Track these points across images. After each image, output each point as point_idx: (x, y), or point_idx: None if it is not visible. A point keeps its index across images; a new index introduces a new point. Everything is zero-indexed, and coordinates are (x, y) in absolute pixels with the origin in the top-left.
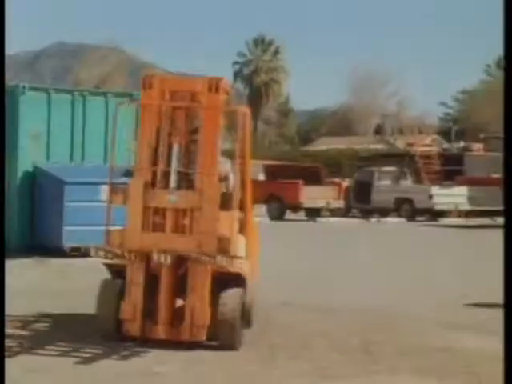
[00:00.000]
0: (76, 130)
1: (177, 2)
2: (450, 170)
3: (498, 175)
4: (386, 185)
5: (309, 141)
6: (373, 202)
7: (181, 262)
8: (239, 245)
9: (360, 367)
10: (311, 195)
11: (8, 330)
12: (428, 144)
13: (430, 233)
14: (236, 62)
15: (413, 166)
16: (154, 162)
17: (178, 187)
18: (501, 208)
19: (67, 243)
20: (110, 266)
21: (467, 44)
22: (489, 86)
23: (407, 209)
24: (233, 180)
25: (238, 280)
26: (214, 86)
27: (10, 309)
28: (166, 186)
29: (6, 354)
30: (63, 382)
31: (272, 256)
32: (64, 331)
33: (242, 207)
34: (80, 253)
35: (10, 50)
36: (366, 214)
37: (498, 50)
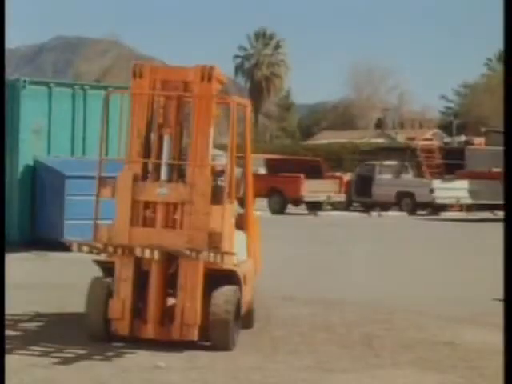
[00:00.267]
0: (77, 124)
1: None
2: (451, 164)
3: (499, 169)
4: (387, 179)
5: (310, 135)
6: (374, 196)
7: (173, 259)
8: (237, 241)
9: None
10: (312, 189)
11: None
12: (429, 138)
13: (431, 227)
14: (237, 56)
15: (414, 159)
16: (145, 154)
17: (170, 180)
18: (502, 202)
19: (68, 237)
20: (100, 263)
21: (468, 38)
22: (490, 79)
23: (408, 203)
24: (229, 173)
25: (232, 278)
26: (207, 75)
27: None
28: (158, 178)
29: None
30: None
31: (272, 250)
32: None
33: (242, 202)
34: None
35: (11, 44)
36: (367, 207)
37: (498, 43)
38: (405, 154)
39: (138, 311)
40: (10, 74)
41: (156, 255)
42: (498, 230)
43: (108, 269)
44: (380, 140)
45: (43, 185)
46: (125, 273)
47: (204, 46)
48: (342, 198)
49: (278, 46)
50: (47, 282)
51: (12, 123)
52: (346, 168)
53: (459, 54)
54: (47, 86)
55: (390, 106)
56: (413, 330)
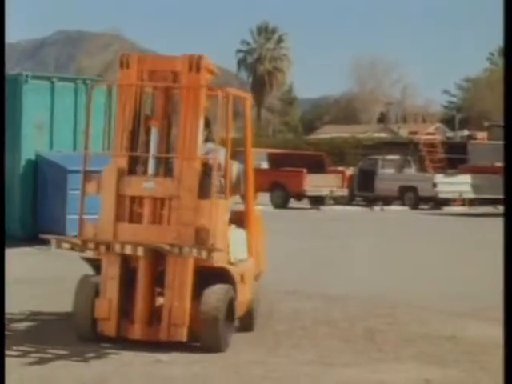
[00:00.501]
0: (79, 119)
1: None
2: (454, 158)
3: (501, 163)
4: (389, 173)
5: (312, 129)
6: (376, 191)
7: (161, 256)
8: (236, 238)
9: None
10: (315, 183)
11: None
12: (432, 132)
13: (434, 221)
14: (239, 51)
15: (416, 154)
16: (132, 148)
17: (157, 174)
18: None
19: (70, 232)
20: (90, 261)
21: (471, 32)
22: (492, 74)
23: (411, 197)
24: (223, 166)
25: (225, 276)
26: (195, 64)
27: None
28: (145, 173)
29: None
30: None
31: (275, 244)
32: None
33: (243, 198)
34: None
35: (12, 38)
36: (370, 202)
37: (501, 38)
38: (407, 148)
39: (126, 311)
40: (11, 69)
41: (140, 252)
42: (500, 224)
43: (97, 266)
44: (383, 134)
45: (45, 179)
46: (111, 271)
47: (206, 40)
48: (344, 192)
49: (280, 41)
50: (50, 276)
51: (14, 118)
52: (349, 162)
53: (462, 48)
54: (49, 80)
55: (393, 100)
56: (415, 324)
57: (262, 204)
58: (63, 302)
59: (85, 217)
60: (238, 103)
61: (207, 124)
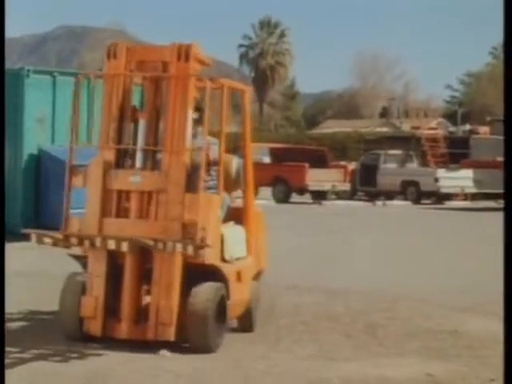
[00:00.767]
0: (81, 113)
1: None
2: (456, 153)
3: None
4: (391, 168)
5: (315, 124)
6: (379, 185)
7: (150, 252)
8: (232, 236)
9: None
10: (317, 178)
11: None
12: (434, 127)
13: (436, 216)
14: (242, 45)
15: (419, 149)
16: (119, 140)
17: (145, 168)
18: None
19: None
20: (77, 258)
21: (473, 27)
22: (494, 68)
23: (413, 192)
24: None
25: (216, 274)
26: (184, 53)
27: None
28: (133, 166)
29: None
30: None
31: (276, 239)
32: None
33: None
34: None
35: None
36: (372, 196)
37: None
38: (410, 143)
39: (114, 310)
40: (13, 64)
41: (124, 247)
42: (502, 219)
43: (86, 263)
44: (385, 129)
45: (47, 174)
46: (98, 268)
47: (209, 35)
48: (346, 187)
49: (282, 35)
50: (52, 270)
51: (16, 112)
52: (351, 157)
53: (464, 42)
54: (51, 74)
55: (395, 94)
56: (417, 318)
57: (264, 199)
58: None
59: (79, 211)
60: (239, 96)
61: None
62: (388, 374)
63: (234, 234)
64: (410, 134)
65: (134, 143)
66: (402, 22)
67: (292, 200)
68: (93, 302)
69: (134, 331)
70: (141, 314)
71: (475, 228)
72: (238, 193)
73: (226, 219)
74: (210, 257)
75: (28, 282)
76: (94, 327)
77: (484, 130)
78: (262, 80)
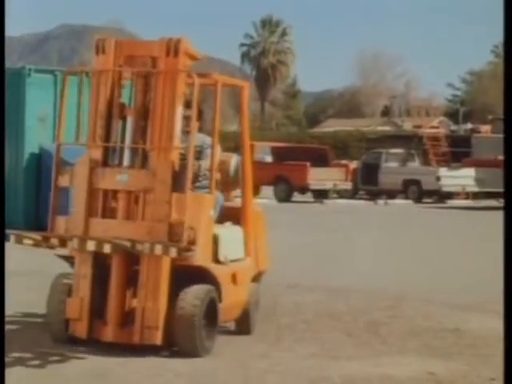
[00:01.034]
0: (82, 112)
1: None
2: (458, 151)
3: None
4: (393, 166)
5: (316, 122)
6: (380, 184)
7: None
8: (229, 237)
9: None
10: (318, 177)
11: None
12: (435, 126)
13: (437, 214)
14: (243, 44)
15: (420, 147)
16: (107, 138)
17: (133, 166)
18: None
19: None
20: (66, 258)
21: (475, 25)
22: (496, 67)
23: (415, 191)
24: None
25: (206, 276)
26: (173, 48)
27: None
28: (120, 165)
29: None
30: None
31: (278, 238)
32: None
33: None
34: None
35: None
36: (374, 195)
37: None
38: (411, 141)
39: (100, 312)
40: (14, 63)
41: (107, 249)
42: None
43: (74, 264)
44: (386, 128)
45: (49, 172)
46: (84, 269)
47: (210, 34)
48: (348, 185)
49: (284, 34)
50: (52, 270)
51: (17, 111)
52: (353, 156)
53: (466, 41)
54: (52, 73)
55: (397, 93)
56: (418, 317)
57: (265, 197)
58: None
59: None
60: (234, 92)
61: (199, 114)
62: (390, 372)
63: (230, 235)
64: (412, 132)
65: (122, 141)
66: (403, 20)
67: (293, 199)
68: (78, 304)
69: (120, 334)
70: (127, 317)
71: (477, 226)
72: (238, 192)
73: (223, 219)
74: (199, 258)
75: (28, 282)
76: (80, 329)
77: (486, 128)
78: (264, 79)
